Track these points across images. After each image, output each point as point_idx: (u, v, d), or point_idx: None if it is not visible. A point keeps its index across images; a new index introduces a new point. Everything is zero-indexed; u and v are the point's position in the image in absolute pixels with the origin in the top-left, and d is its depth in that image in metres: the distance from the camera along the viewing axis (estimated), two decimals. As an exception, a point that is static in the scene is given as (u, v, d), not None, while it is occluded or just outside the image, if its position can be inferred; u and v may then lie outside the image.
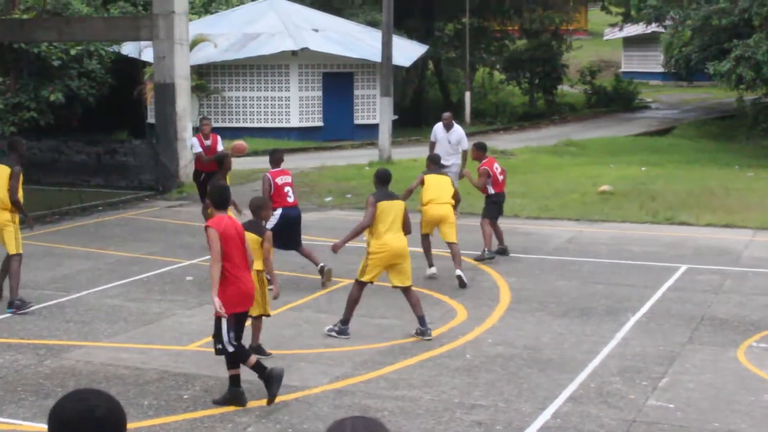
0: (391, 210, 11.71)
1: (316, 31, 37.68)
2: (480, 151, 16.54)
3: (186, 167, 23.97)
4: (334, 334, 11.71)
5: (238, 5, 42.32)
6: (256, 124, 36.78)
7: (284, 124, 37.04)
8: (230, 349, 9.49)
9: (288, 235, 14.21)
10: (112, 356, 10.98)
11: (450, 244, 14.55)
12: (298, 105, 37.03)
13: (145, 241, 17.85)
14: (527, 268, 15.58)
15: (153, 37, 24.18)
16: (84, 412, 3.15)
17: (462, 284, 14.07)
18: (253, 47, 36.41)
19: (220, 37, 36.56)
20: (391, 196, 11.92)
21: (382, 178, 12.01)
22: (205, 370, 10.43)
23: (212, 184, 10.74)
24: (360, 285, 11.76)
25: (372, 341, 11.58)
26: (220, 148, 17.44)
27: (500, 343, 11.46)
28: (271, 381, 9.37)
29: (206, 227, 9.57)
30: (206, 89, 36.60)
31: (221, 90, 37.08)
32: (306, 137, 36.47)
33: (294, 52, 36.20)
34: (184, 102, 24.21)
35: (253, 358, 9.62)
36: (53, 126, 32.48)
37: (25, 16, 30.68)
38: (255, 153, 32.80)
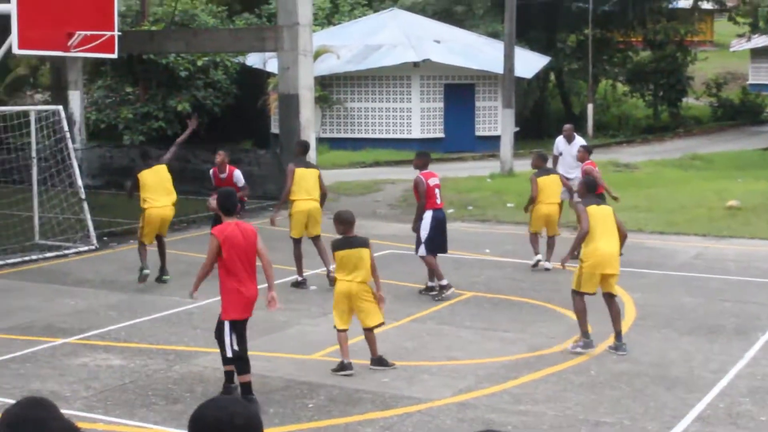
0: (602, 216, 11.61)
1: (438, 42, 37.74)
2: (586, 152, 17.41)
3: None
4: (579, 350, 11.50)
5: (360, 17, 42.69)
6: (377, 135, 36.98)
7: (406, 135, 37.16)
8: (229, 354, 9.80)
9: (440, 238, 14.44)
10: (239, 363, 11.14)
11: (551, 237, 16.43)
12: (419, 116, 37.12)
13: (270, 250, 18.02)
14: (652, 283, 15.33)
15: (278, 48, 24.53)
16: (224, 419, 3.22)
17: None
18: (375, 58, 36.65)
19: (343, 48, 36.89)
20: (599, 202, 11.96)
21: (590, 186, 12.17)
22: (329, 379, 10.53)
23: (220, 190, 10.83)
24: (580, 295, 11.66)
25: (495, 355, 11.53)
26: (238, 180, 16.24)
27: (625, 360, 11.29)
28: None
29: (210, 233, 9.98)
30: (329, 100, 36.97)
31: (343, 101, 37.40)
32: (427, 148, 36.40)
33: (416, 64, 36.32)
34: (308, 112, 24.48)
35: (245, 377, 9.85)
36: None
37: (154, 28, 31.48)
38: (377, 164, 33.09)
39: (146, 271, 15.12)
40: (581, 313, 11.53)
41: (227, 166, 16.45)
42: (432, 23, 40.85)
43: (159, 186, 15.40)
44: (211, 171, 16.75)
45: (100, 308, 13.81)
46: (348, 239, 10.88)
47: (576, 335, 11.71)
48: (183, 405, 9.71)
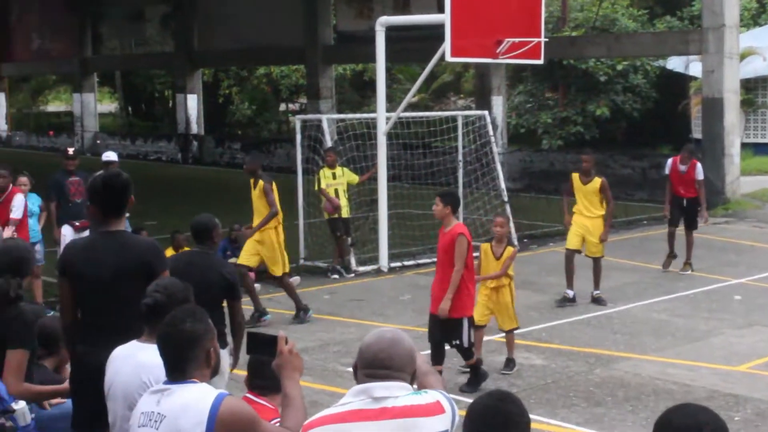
0: None
1: None
2: None
3: (732, 183, 23.48)
4: None
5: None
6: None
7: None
8: (467, 344, 10.12)
9: None
10: (660, 370, 11.00)
11: None
12: None
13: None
14: None
15: (702, 51, 23.93)
16: (691, 427, 3.19)
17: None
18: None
19: (769, 49, 35.22)
20: None
21: None
22: (756, 392, 10.13)
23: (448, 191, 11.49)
24: None
25: None
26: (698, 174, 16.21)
27: None
28: (479, 378, 10.30)
29: (460, 234, 9.93)
30: (753, 104, 35.45)
31: (768, 105, 35.73)
32: None
33: None
34: (732, 117, 23.68)
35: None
36: (598, 140, 33.27)
37: (574, 34, 31.75)
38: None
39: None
40: None
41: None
42: None
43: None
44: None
45: (522, 308, 14.07)
46: None
47: None
48: (604, 408, 9.74)
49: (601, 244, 14.37)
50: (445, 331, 10.08)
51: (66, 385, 6.50)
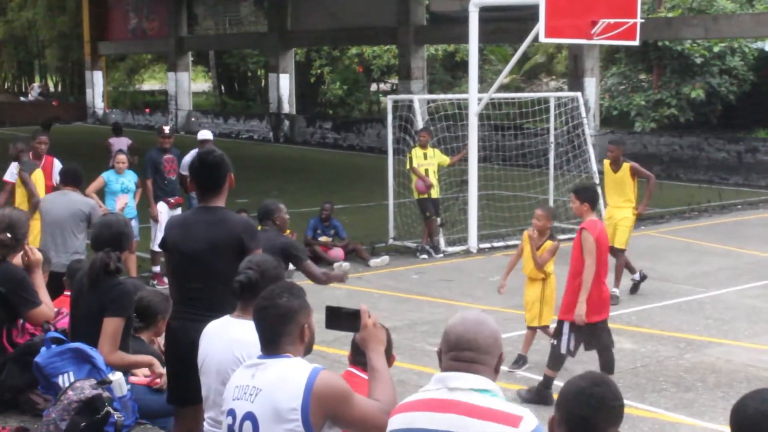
0: None
1: None
2: None
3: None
4: None
5: None
6: None
7: None
8: (562, 350, 9.37)
9: None
10: (754, 357, 10.85)
11: None
12: None
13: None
14: None
15: (803, 33, 23.43)
16: (765, 414, 3.17)
17: None
18: None
19: None
20: None
21: None
22: None
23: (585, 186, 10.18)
24: None
25: None
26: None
27: None
28: (542, 395, 9.34)
29: (582, 229, 9.34)
30: None
31: None
32: None
33: None
34: (832, 100, 23.15)
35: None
36: (692, 123, 32.74)
37: (670, 14, 31.23)
38: None
39: None
40: None
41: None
42: None
43: None
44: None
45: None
46: None
47: None
48: (694, 394, 9.64)
49: (625, 235, 13.62)
50: (554, 330, 9.74)
51: (156, 358, 6.66)
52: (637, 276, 13.85)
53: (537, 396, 9.39)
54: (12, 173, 12.93)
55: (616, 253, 13.23)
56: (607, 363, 9.43)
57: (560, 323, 9.52)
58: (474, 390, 3.68)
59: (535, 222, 10.51)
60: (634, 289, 13.84)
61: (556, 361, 9.50)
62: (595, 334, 9.41)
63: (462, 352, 3.75)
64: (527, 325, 10.74)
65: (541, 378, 9.63)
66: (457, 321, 3.84)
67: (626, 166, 13.72)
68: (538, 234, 10.48)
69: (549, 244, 10.53)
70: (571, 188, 10.00)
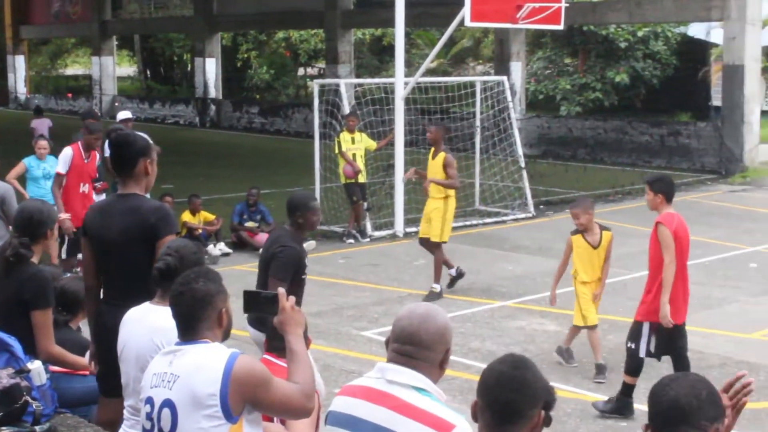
0: None
1: None
2: None
3: (751, 151, 23.40)
4: None
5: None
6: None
7: None
8: (641, 354, 8.77)
9: None
10: (674, 338, 11.00)
11: None
12: None
13: (706, 225, 17.65)
14: None
15: (724, 18, 23.81)
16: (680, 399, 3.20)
17: None
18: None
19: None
20: None
21: None
22: (769, 360, 10.15)
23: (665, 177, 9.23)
24: None
25: None
26: None
27: None
28: (621, 406, 8.79)
29: (658, 223, 8.62)
30: (774, 71, 35.23)
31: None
32: None
33: None
34: (752, 85, 23.57)
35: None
36: (617, 107, 33.15)
37: (595, 0, 31.54)
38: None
39: None
40: None
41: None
42: None
43: None
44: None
45: (537, 274, 14.14)
46: None
47: None
48: (617, 374, 9.73)
49: (439, 229, 12.92)
50: (630, 331, 9.01)
51: (89, 361, 6.53)
52: (453, 271, 13.36)
53: (617, 405, 8.83)
54: None
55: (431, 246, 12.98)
56: (685, 368, 8.69)
57: (638, 324, 8.84)
58: (413, 388, 3.63)
59: (576, 223, 10.21)
60: (452, 284, 13.35)
61: (634, 365, 8.86)
62: (672, 337, 8.78)
63: (403, 346, 3.69)
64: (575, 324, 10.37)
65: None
66: (404, 313, 3.78)
67: (442, 156, 12.91)
68: (587, 232, 10.24)
69: (609, 235, 10.38)
70: (645, 179, 9.11)
